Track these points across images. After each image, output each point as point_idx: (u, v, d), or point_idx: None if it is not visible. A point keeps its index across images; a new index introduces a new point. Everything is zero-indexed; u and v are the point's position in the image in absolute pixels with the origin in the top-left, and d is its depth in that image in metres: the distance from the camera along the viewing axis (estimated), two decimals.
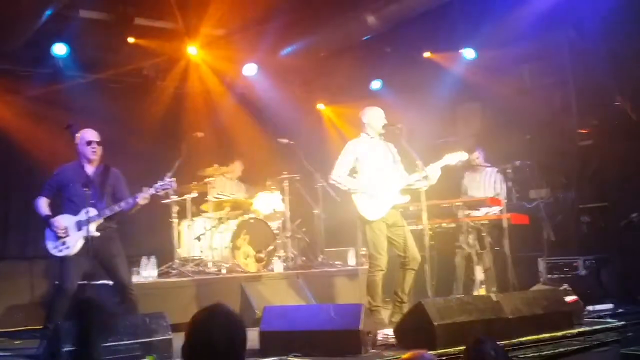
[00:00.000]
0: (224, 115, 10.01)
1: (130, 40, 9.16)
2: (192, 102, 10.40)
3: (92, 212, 5.79)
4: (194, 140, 7.88)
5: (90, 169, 6.04)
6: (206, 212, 8.81)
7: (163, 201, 8.18)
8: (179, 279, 7.61)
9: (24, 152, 8.57)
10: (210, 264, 8.20)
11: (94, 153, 6.04)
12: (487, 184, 8.17)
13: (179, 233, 8.56)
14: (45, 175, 6.20)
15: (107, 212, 5.90)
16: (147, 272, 7.62)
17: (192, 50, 9.59)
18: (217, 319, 2.77)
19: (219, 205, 8.83)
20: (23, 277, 8.15)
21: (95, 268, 5.93)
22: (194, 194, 8.55)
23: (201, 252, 8.37)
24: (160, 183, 6.07)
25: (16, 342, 6.59)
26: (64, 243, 5.83)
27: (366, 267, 6.75)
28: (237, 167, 9.60)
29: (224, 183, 9.38)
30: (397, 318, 6.04)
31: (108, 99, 9.21)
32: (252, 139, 10.32)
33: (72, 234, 5.84)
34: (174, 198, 8.36)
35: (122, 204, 5.96)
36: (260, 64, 10.21)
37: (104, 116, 8.28)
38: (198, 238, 8.40)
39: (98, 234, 5.83)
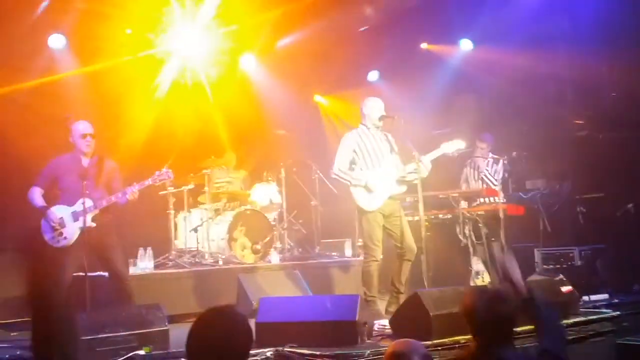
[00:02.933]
0: (221, 106, 9.98)
1: (128, 31, 9.13)
2: (189, 93, 10.36)
3: (88, 202, 5.78)
4: (192, 131, 7.86)
5: (85, 161, 6.04)
6: (203, 203, 8.80)
7: (160, 192, 8.18)
8: (176, 271, 7.62)
9: (18, 144, 8.52)
10: (206, 256, 8.20)
11: (88, 146, 6.04)
12: (490, 174, 8.11)
13: (175, 225, 8.55)
14: (40, 166, 6.17)
15: (103, 203, 5.90)
16: (143, 264, 7.62)
17: (190, 41, 9.56)
18: (224, 319, 2.72)
19: (215, 197, 8.83)
20: (19, 268, 8.12)
21: (92, 259, 5.93)
22: (191, 186, 8.55)
23: (198, 243, 8.36)
24: (157, 173, 6.09)
25: (13, 334, 6.58)
26: (61, 234, 5.83)
27: (362, 258, 6.76)
28: (229, 157, 9.54)
29: (221, 174, 9.36)
30: (393, 308, 6.04)
31: (105, 90, 9.17)
32: (249, 130, 10.29)
33: (68, 225, 5.84)
34: (171, 190, 8.36)
35: (119, 194, 5.95)
36: (257, 55, 10.19)
37: (100, 108, 8.25)
38: (195, 230, 8.39)
39: (94, 224, 5.83)
